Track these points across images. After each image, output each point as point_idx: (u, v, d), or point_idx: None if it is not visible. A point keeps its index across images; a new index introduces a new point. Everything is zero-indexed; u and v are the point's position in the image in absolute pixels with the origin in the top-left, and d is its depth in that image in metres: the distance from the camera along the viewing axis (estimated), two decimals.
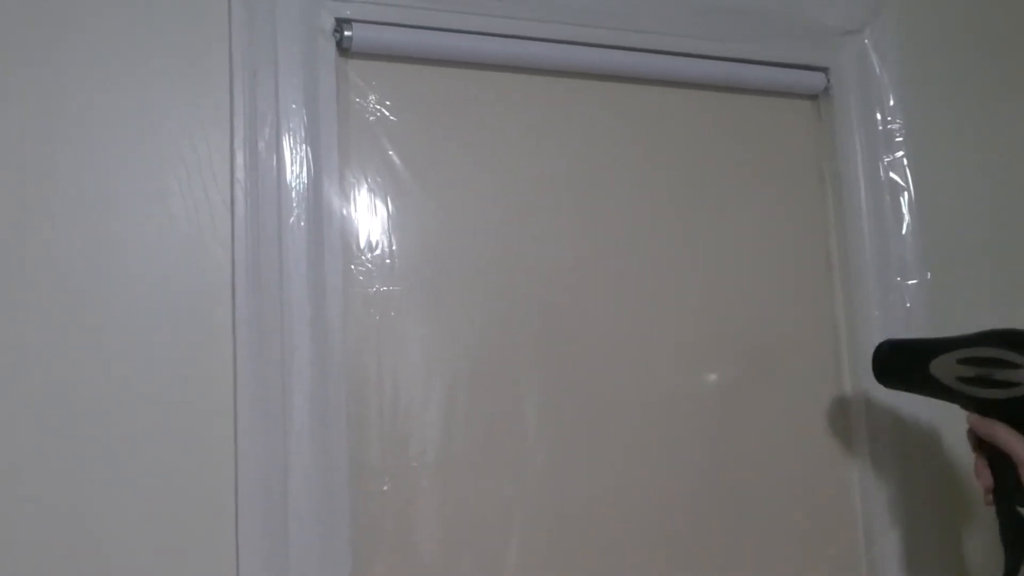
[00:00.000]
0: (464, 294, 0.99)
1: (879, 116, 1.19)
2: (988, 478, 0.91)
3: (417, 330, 0.97)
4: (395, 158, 0.98)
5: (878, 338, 1.14)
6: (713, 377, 1.10)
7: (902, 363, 0.98)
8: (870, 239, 1.17)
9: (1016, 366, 0.87)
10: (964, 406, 0.93)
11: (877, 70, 1.20)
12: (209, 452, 0.85)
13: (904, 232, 1.18)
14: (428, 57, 1.01)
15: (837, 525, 1.14)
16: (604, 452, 1.03)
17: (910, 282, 1.17)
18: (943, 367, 0.92)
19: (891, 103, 1.20)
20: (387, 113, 0.98)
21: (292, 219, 0.91)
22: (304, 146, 0.92)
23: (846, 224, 1.18)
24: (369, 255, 0.96)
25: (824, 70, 1.20)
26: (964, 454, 1.17)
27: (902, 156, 1.19)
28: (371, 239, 0.96)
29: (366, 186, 0.97)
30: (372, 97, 0.98)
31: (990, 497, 0.91)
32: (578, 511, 1.00)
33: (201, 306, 0.87)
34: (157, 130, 0.88)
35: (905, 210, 1.18)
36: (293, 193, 0.91)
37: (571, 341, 1.03)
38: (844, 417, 1.16)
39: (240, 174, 0.89)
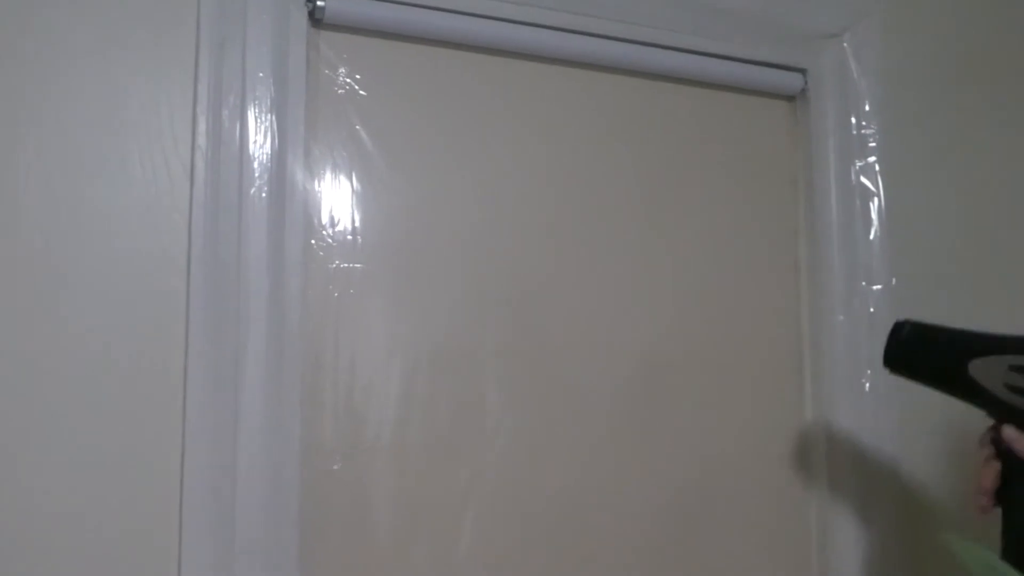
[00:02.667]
0: (429, 276, 0.98)
1: (854, 120, 1.19)
2: (995, 481, 0.83)
3: (378, 309, 0.95)
4: (363, 133, 0.96)
5: (841, 343, 1.15)
6: (676, 375, 1.10)
7: (931, 354, 0.87)
8: (838, 243, 1.17)
9: None
10: (998, 416, 0.84)
11: (855, 75, 1.20)
12: (156, 422, 0.84)
13: (872, 238, 1.18)
14: (402, 33, 0.99)
15: (792, 527, 1.14)
16: (562, 445, 1.02)
17: (875, 287, 1.17)
18: (989, 370, 0.82)
19: (866, 108, 1.20)
20: (357, 87, 0.97)
21: (253, 190, 0.89)
22: (270, 116, 0.90)
23: (815, 226, 1.18)
24: (331, 231, 0.94)
25: (802, 71, 1.19)
26: (922, 462, 1.18)
27: (874, 162, 1.19)
28: (334, 214, 0.94)
29: (332, 160, 0.95)
30: (342, 70, 0.96)
31: (983, 501, 0.84)
32: (533, 501, 0.99)
33: (156, 273, 0.85)
34: (119, 93, 0.86)
35: (874, 216, 1.18)
36: (256, 163, 0.89)
37: (536, 331, 1.02)
38: (803, 419, 1.16)
39: (202, 141, 0.87)
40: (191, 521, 0.82)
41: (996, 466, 0.83)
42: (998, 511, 0.84)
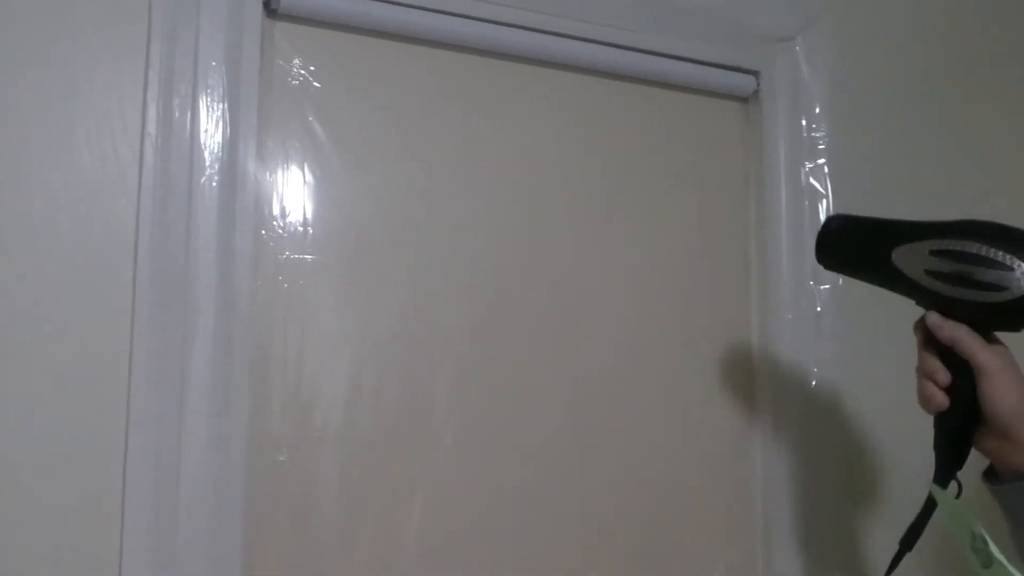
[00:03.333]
0: (380, 269, 0.98)
1: (804, 123, 1.22)
2: (945, 375, 0.83)
3: (328, 301, 0.95)
4: (316, 125, 0.96)
5: (789, 342, 1.18)
6: (626, 371, 1.11)
7: (857, 243, 0.88)
8: (787, 243, 1.19)
9: (1004, 267, 0.77)
10: (922, 302, 0.85)
11: (806, 78, 1.23)
12: (99, 409, 0.83)
13: None
14: (358, 26, 0.99)
15: (738, 523, 1.16)
16: (512, 439, 1.03)
17: (823, 287, 1.19)
18: (911, 256, 0.82)
19: (817, 111, 1.22)
20: (311, 79, 0.97)
21: (203, 179, 0.88)
22: (222, 105, 0.90)
23: (765, 226, 1.20)
24: (282, 222, 0.94)
25: (755, 74, 1.21)
26: (869, 449, 1.20)
27: (823, 164, 1.21)
28: (286, 205, 0.94)
29: (284, 151, 0.95)
30: (297, 61, 0.96)
31: (940, 398, 0.83)
32: (482, 496, 1.00)
33: (102, 260, 0.85)
34: (67, 77, 0.85)
35: (823, 217, 1.20)
36: (206, 152, 0.89)
37: (486, 326, 1.03)
38: (750, 418, 1.18)
39: (152, 128, 0.87)
40: (133, 509, 0.82)
41: (935, 358, 0.84)
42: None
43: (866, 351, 1.22)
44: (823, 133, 1.22)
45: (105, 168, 0.86)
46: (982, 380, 0.80)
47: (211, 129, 0.89)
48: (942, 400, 0.83)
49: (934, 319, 0.83)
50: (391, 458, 0.96)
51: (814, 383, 1.18)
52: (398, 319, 0.98)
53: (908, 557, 0.91)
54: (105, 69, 0.87)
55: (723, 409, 1.17)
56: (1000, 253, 0.78)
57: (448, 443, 0.99)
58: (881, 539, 1.20)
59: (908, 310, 1.25)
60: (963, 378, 0.82)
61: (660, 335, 1.14)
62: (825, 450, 1.17)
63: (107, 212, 0.85)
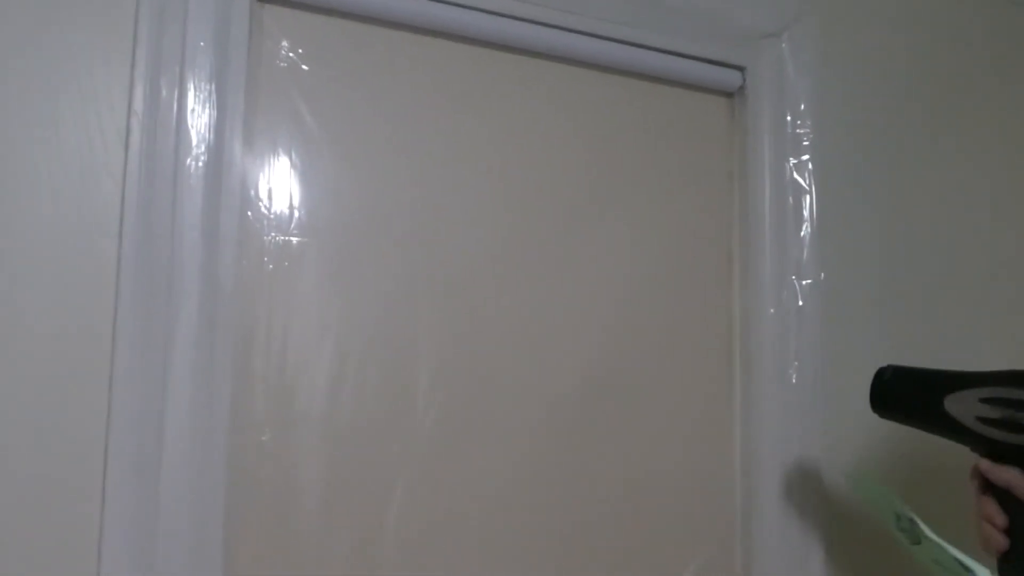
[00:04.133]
0: (366, 254, 0.98)
1: (789, 119, 1.23)
2: (1003, 518, 0.85)
3: (313, 284, 0.95)
4: (304, 108, 0.96)
5: (770, 335, 1.18)
6: (607, 362, 1.11)
7: (910, 394, 0.92)
8: (771, 237, 1.20)
9: None
10: (975, 448, 0.88)
11: (791, 74, 1.24)
12: (82, 387, 0.83)
13: (803, 233, 1.21)
14: (347, 11, 0.99)
15: (717, 517, 1.16)
16: (492, 428, 1.03)
17: (805, 282, 1.20)
18: (962, 404, 0.86)
19: (802, 107, 1.23)
20: (299, 62, 0.97)
21: (190, 159, 0.88)
22: (209, 86, 0.90)
23: (749, 221, 1.21)
24: (269, 203, 0.94)
25: (741, 69, 1.22)
26: (849, 443, 1.21)
27: (807, 160, 1.22)
28: (272, 187, 0.94)
29: (271, 134, 0.95)
30: (285, 44, 0.96)
31: (1001, 540, 0.85)
32: (460, 481, 1.00)
33: (86, 238, 0.85)
34: (54, 54, 0.85)
35: (806, 212, 1.22)
36: (193, 132, 0.89)
37: (470, 313, 1.03)
38: (730, 411, 1.19)
39: (139, 107, 0.87)
40: (115, 487, 0.81)
41: (992, 501, 0.86)
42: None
43: (846, 346, 1.23)
44: (808, 129, 1.23)
45: (91, 147, 0.86)
46: None
47: (198, 110, 0.89)
48: (1001, 541, 0.85)
49: (986, 465, 0.86)
50: (373, 441, 0.96)
51: (795, 378, 1.19)
52: (383, 303, 0.98)
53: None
54: (92, 48, 0.86)
55: (703, 402, 1.18)
56: None
57: (429, 428, 0.99)
58: (861, 535, 1.21)
59: (887, 308, 1.28)
60: (1021, 518, 0.84)
61: (642, 328, 1.14)
62: (805, 445, 1.18)
63: (92, 191, 0.85)
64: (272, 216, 0.94)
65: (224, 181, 0.90)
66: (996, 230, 1.40)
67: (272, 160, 0.95)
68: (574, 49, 1.11)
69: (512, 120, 1.08)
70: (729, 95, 1.24)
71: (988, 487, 0.87)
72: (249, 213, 0.92)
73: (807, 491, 1.18)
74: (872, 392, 0.95)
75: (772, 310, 1.19)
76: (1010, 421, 0.83)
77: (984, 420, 0.85)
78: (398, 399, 0.98)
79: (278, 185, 0.95)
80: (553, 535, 1.05)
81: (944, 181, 1.36)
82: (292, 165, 0.95)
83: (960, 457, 0.91)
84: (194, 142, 0.89)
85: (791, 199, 1.22)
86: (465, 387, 1.02)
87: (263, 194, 0.94)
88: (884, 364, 0.98)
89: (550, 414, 1.07)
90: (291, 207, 0.95)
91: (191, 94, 0.89)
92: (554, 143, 1.11)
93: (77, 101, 0.85)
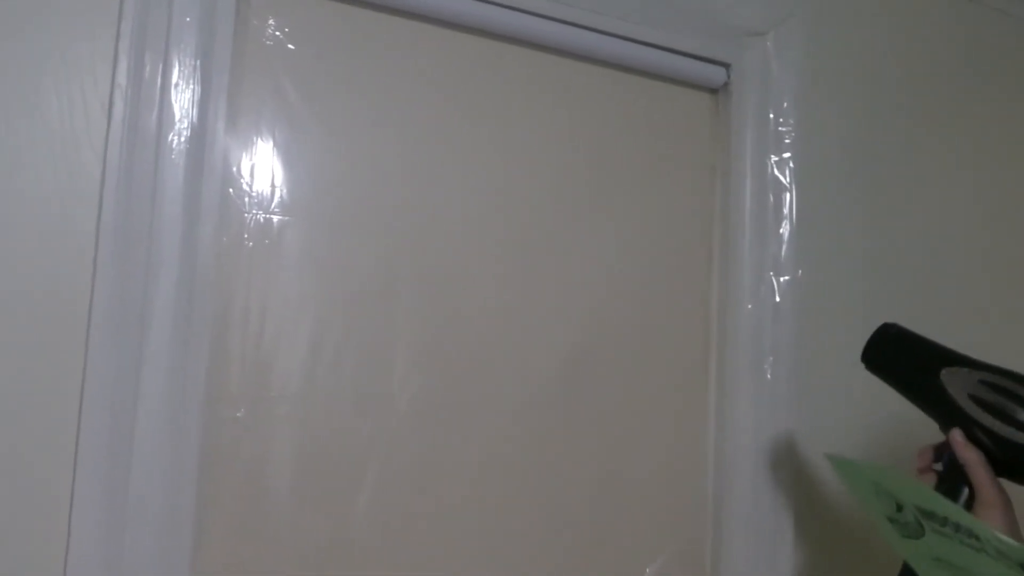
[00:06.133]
0: (347, 234, 0.99)
1: (772, 116, 1.24)
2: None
3: (293, 262, 0.95)
4: (289, 87, 0.96)
5: (747, 329, 1.19)
6: (585, 353, 1.12)
7: (911, 352, 0.92)
8: (750, 233, 1.21)
9: None
10: (951, 422, 0.88)
11: (776, 73, 1.25)
12: (56, 357, 0.83)
13: (782, 230, 1.22)
14: None
15: (689, 510, 1.18)
16: (468, 412, 1.03)
17: (783, 278, 1.21)
18: (960, 378, 0.87)
19: (785, 106, 1.24)
20: (286, 41, 0.97)
21: (172, 133, 0.88)
22: (194, 62, 0.90)
23: (730, 216, 1.22)
24: (251, 181, 0.94)
25: (726, 66, 1.23)
26: (821, 438, 1.22)
27: (789, 157, 1.23)
28: (255, 165, 0.94)
29: (255, 111, 0.95)
30: (272, 22, 0.96)
31: None
32: (433, 464, 1.01)
33: (64, 209, 0.84)
34: (37, 24, 0.85)
35: (786, 209, 1.23)
36: (176, 107, 0.89)
37: (450, 298, 1.04)
38: (705, 404, 1.20)
39: (122, 80, 0.87)
40: (86, 458, 0.82)
41: (931, 481, 0.88)
42: None
43: (821, 342, 1.24)
44: (790, 127, 1.24)
45: (73, 118, 0.86)
46: (981, 508, 0.83)
47: (182, 85, 0.89)
48: None
49: (958, 435, 0.86)
50: (348, 421, 0.96)
51: (769, 373, 1.20)
52: (362, 285, 0.99)
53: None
54: (77, 20, 0.86)
55: (678, 394, 1.19)
56: None
57: (404, 411, 1.00)
58: (835, 520, 1.23)
59: (863, 307, 1.29)
60: (959, 501, 0.84)
61: (620, 319, 1.15)
62: (777, 440, 1.19)
63: (72, 161, 0.85)
64: (254, 194, 0.94)
65: (206, 157, 0.90)
66: (975, 231, 1.42)
67: (255, 138, 0.95)
68: (561, 39, 1.12)
69: (497, 107, 1.09)
70: (714, 91, 1.25)
71: (937, 463, 0.88)
72: (231, 190, 0.93)
73: (778, 485, 1.19)
74: (870, 343, 0.95)
75: (749, 305, 1.20)
76: (1001, 410, 0.84)
77: (975, 399, 0.85)
78: (374, 380, 0.98)
79: (261, 163, 0.95)
80: (525, 522, 1.06)
81: (924, 183, 1.38)
82: (276, 144, 0.96)
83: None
84: (177, 117, 0.89)
85: (772, 196, 1.23)
86: (442, 372, 1.02)
87: (245, 171, 0.94)
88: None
89: (526, 403, 1.07)
90: (273, 185, 0.95)
91: (176, 69, 0.89)
92: (538, 131, 1.11)
93: (61, 72, 0.85)
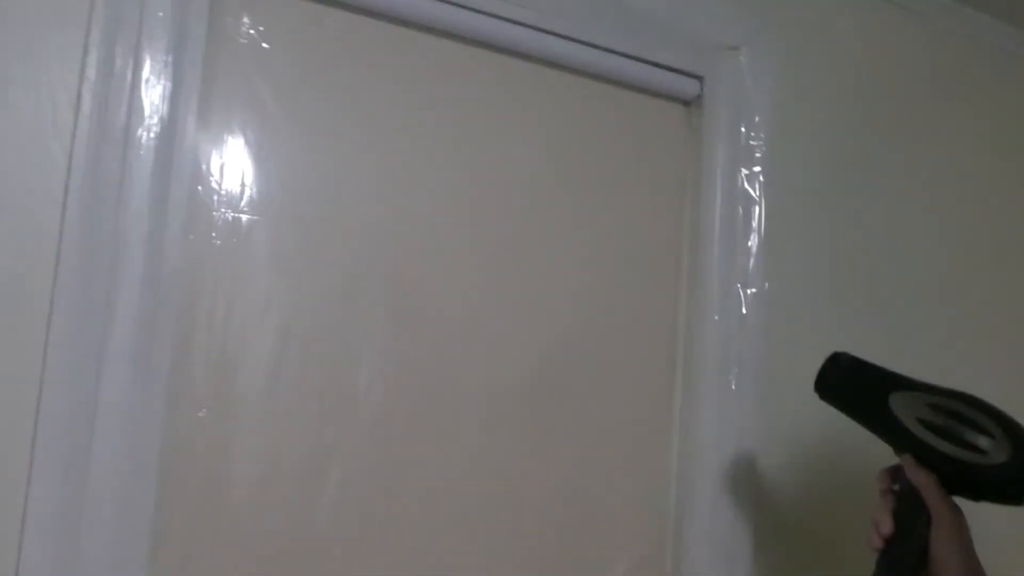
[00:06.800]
0: (316, 235, 0.98)
1: (744, 130, 1.25)
2: (888, 526, 0.88)
3: (261, 262, 0.95)
4: (262, 86, 0.96)
5: (713, 340, 1.20)
6: (552, 360, 1.12)
7: (859, 381, 0.95)
8: (719, 245, 1.22)
9: (988, 435, 0.85)
10: (902, 447, 0.90)
11: (749, 87, 1.26)
12: (15, 354, 0.81)
13: (750, 243, 1.24)
14: None
15: (650, 516, 1.18)
16: (432, 417, 1.03)
17: (750, 291, 1.23)
18: (908, 402, 0.89)
19: (756, 119, 1.26)
20: (260, 40, 0.96)
21: (141, 129, 0.88)
22: (166, 57, 0.89)
23: (699, 228, 1.23)
24: (220, 179, 0.93)
25: (699, 78, 1.24)
26: (784, 447, 1.24)
27: (759, 171, 1.25)
28: (225, 164, 0.94)
29: (227, 109, 0.94)
30: (246, 20, 0.96)
31: (877, 543, 0.88)
32: (396, 469, 1.00)
33: (29, 203, 0.83)
34: (5, 13, 0.84)
35: (754, 222, 1.24)
36: (146, 103, 0.88)
37: (417, 303, 1.04)
38: (670, 413, 1.21)
39: (91, 73, 0.85)
40: (43, 454, 0.80)
41: (888, 506, 0.89)
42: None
43: (787, 355, 1.25)
44: (761, 141, 1.25)
45: (39, 110, 0.84)
46: (939, 528, 0.85)
47: (153, 80, 0.88)
48: (877, 542, 0.89)
49: (910, 461, 0.89)
50: (311, 424, 0.96)
51: (734, 384, 1.21)
52: (330, 287, 0.98)
53: None
54: (46, 9, 0.85)
55: (644, 404, 1.19)
56: (991, 423, 0.85)
57: (369, 415, 0.99)
58: (793, 533, 1.24)
59: (829, 320, 1.31)
60: (917, 523, 0.86)
61: (588, 327, 1.15)
62: (741, 450, 1.20)
63: (38, 154, 0.84)
64: (223, 192, 0.93)
65: (175, 154, 0.89)
66: (942, 247, 1.44)
67: (226, 136, 0.94)
68: (535, 46, 1.12)
69: (468, 112, 1.09)
70: (687, 103, 1.26)
71: (892, 489, 0.90)
72: (200, 188, 0.92)
73: (740, 495, 1.20)
74: (822, 372, 0.97)
75: (716, 317, 1.21)
76: (949, 432, 0.86)
77: (924, 423, 0.88)
78: (339, 383, 0.98)
79: (231, 162, 0.94)
80: (488, 526, 1.06)
81: (892, 198, 1.40)
82: (247, 143, 0.95)
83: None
84: (147, 112, 0.88)
85: (741, 209, 1.24)
86: (408, 376, 1.02)
87: (215, 170, 0.93)
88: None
89: (491, 408, 1.07)
90: (243, 184, 0.94)
91: (147, 64, 0.88)
92: (510, 138, 1.12)
93: (28, 64, 0.84)
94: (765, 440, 1.22)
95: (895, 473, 0.91)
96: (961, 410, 0.87)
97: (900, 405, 0.89)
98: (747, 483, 1.21)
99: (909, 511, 0.87)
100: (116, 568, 0.83)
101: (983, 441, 0.85)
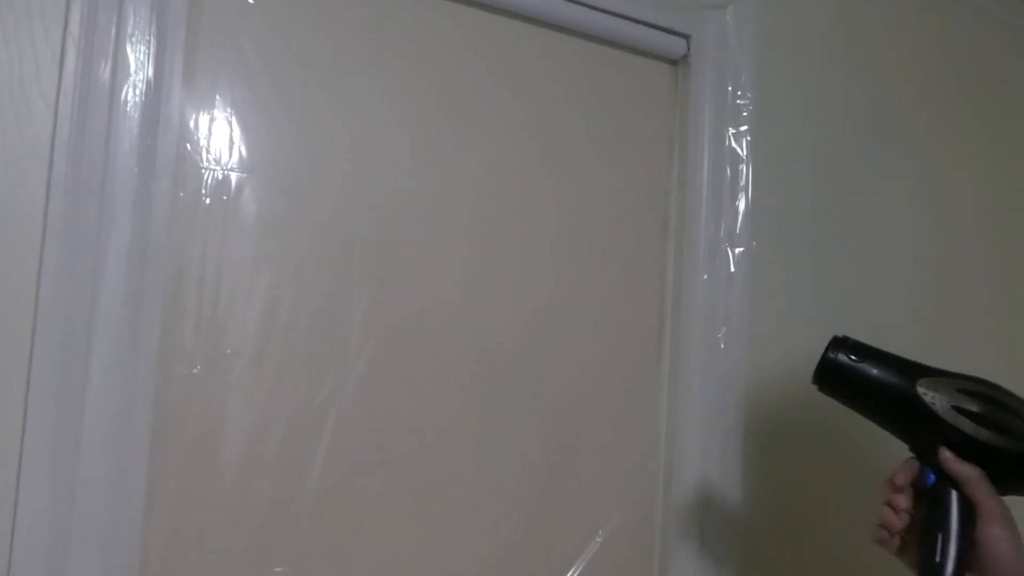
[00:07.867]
0: (305, 192, 0.98)
1: (731, 89, 1.25)
2: (905, 521, 0.81)
3: (250, 219, 0.94)
4: (247, 44, 0.95)
5: (701, 300, 1.21)
6: (540, 319, 1.13)
7: (879, 367, 0.84)
8: (706, 204, 1.23)
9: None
10: (935, 438, 0.82)
11: (735, 46, 1.26)
12: (4, 312, 0.81)
13: (738, 202, 1.24)
14: None
15: (640, 473, 1.19)
16: (422, 375, 1.03)
17: (737, 250, 1.23)
18: (939, 389, 0.81)
19: (743, 79, 1.26)
20: None
21: (127, 86, 0.86)
22: (150, 13, 0.88)
23: (687, 188, 1.23)
24: (208, 137, 0.92)
25: (686, 37, 1.24)
26: (771, 405, 1.25)
27: (746, 130, 1.25)
28: (212, 119, 0.93)
29: (212, 67, 0.93)
30: None
31: (896, 542, 0.82)
32: (388, 426, 1.01)
33: (14, 159, 0.82)
34: None
35: (742, 181, 1.24)
36: (132, 58, 0.87)
37: (406, 261, 1.03)
38: (658, 373, 1.22)
39: (74, 28, 0.84)
40: (36, 413, 0.80)
41: (907, 503, 0.83)
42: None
43: (774, 311, 1.26)
44: (748, 100, 1.25)
45: (22, 67, 0.83)
46: (989, 523, 0.79)
47: (137, 36, 0.87)
48: (895, 542, 0.83)
49: (950, 455, 0.80)
50: (303, 380, 0.96)
51: (723, 343, 1.22)
52: (319, 243, 0.98)
53: None
54: None
55: (632, 363, 1.20)
56: (1020, 405, 0.80)
57: (360, 371, 0.99)
58: (781, 490, 1.26)
59: (815, 278, 1.32)
60: (963, 521, 0.79)
61: (576, 287, 1.16)
62: (728, 409, 1.21)
63: (22, 112, 0.83)
64: (211, 150, 0.92)
65: (162, 111, 0.88)
66: (928, 210, 1.46)
67: (213, 94, 0.93)
68: (519, 3, 1.11)
69: (452, 73, 1.08)
70: (673, 63, 1.26)
71: (906, 488, 0.83)
72: (187, 145, 0.91)
73: (728, 454, 1.21)
74: (826, 362, 0.85)
75: (704, 276, 1.22)
76: (987, 417, 0.79)
77: (960, 410, 0.80)
78: (330, 340, 0.98)
79: (218, 120, 0.93)
80: (477, 487, 1.06)
81: (878, 158, 1.40)
82: (233, 100, 0.94)
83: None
84: (132, 69, 0.87)
85: (728, 168, 1.25)
86: (397, 332, 1.02)
87: (203, 127, 0.92)
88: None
89: (480, 365, 1.08)
90: (231, 142, 0.93)
91: (131, 20, 0.87)
92: (496, 97, 1.11)
93: (9, 18, 0.82)
94: (753, 397, 1.23)
95: (920, 467, 0.83)
96: (997, 396, 0.80)
97: (932, 394, 0.81)
98: (734, 441, 1.22)
99: (942, 507, 0.80)
100: (111, 530, 0.83)
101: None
